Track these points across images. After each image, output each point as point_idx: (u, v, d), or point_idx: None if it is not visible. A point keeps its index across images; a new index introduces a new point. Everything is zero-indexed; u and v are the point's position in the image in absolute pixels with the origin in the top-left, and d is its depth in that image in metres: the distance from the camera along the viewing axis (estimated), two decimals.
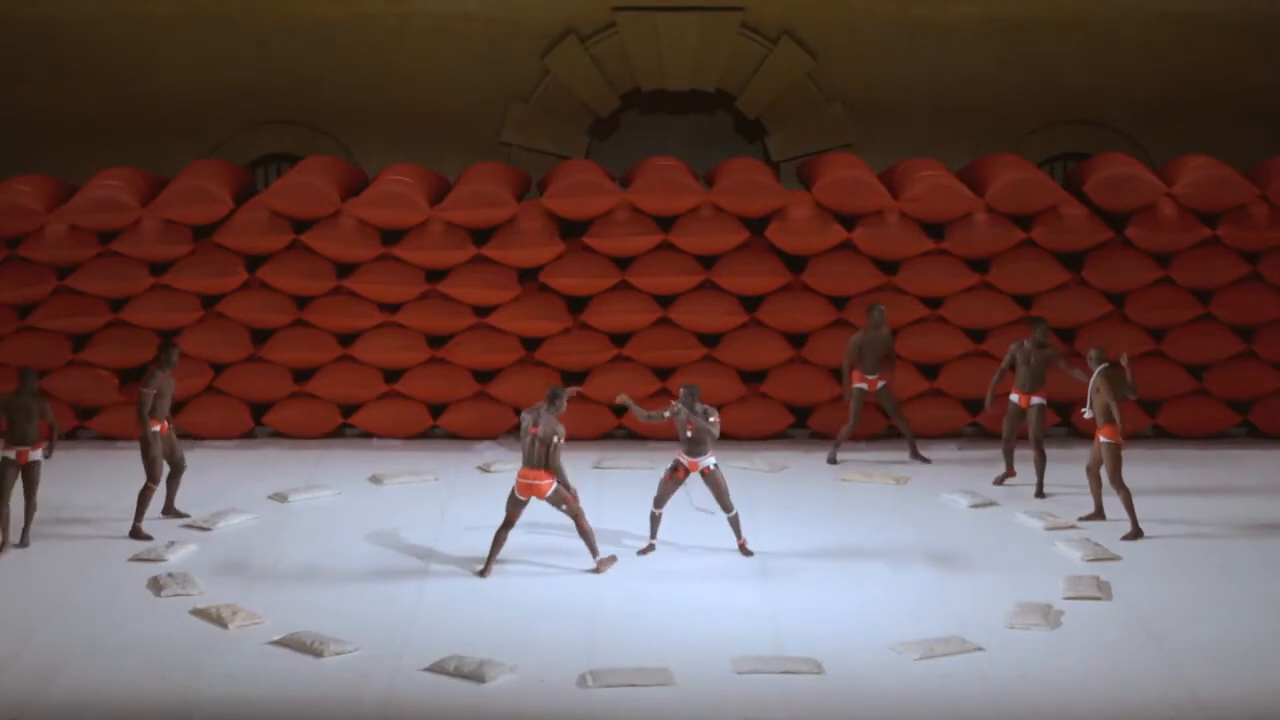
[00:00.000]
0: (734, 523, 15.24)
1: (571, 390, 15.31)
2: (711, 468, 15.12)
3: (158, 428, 15.94)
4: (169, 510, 16.37)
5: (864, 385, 18.19)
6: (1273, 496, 17.06)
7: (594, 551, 14.85)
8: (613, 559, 14.95)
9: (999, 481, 17.43)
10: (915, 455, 18.47)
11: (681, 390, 15.22)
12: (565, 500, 14.78)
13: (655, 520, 15.33)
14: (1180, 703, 12.10)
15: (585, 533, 14.84)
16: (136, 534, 15.73)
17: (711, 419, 15.04)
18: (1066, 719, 11.95)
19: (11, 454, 15.12)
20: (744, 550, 15.20)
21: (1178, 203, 19.63)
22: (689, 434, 15.11)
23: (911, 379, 19.30)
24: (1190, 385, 19.34)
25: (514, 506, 14.82)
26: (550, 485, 14.71)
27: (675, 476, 15.21)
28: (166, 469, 16.13)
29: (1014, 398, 17.35)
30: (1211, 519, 16.21)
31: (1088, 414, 15.78)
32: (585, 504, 15.59)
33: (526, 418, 14.79)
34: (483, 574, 14.73)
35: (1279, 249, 19.56)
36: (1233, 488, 17.39)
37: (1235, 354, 19.46)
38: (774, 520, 16.02)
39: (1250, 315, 19.50)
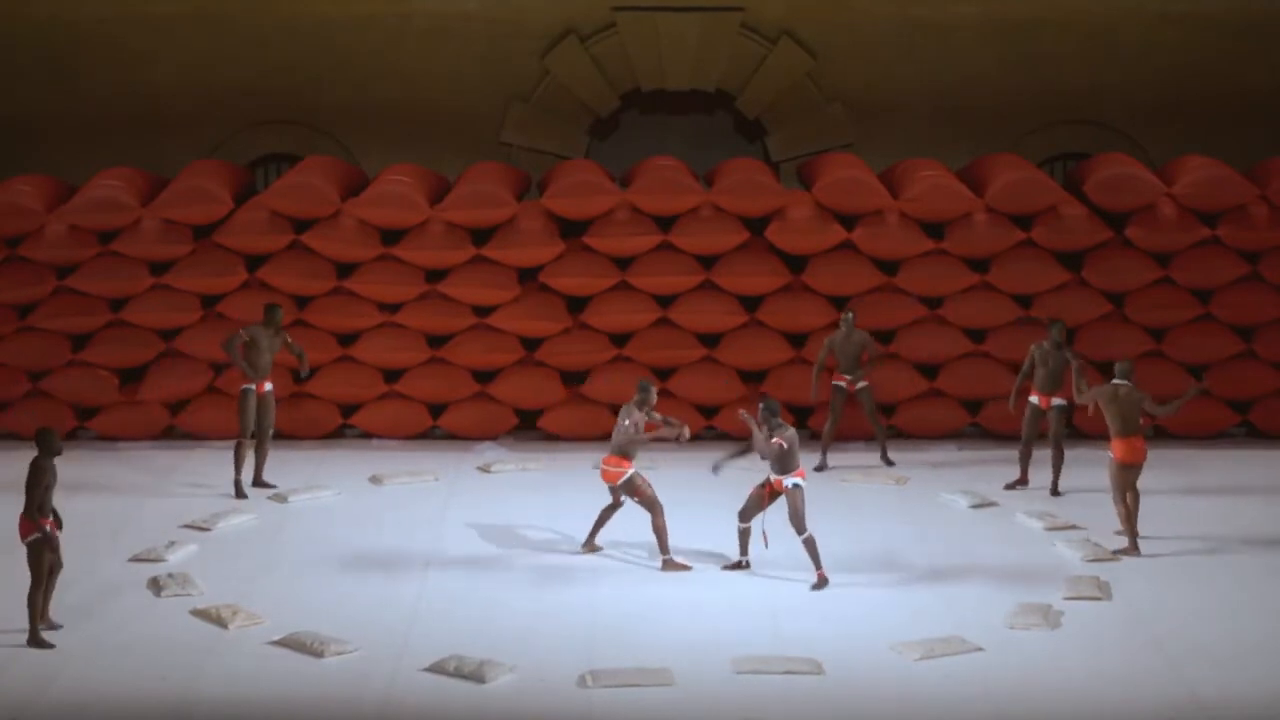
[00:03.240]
0: (808, 545, 14.40)
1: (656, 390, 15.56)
2: (790, 487, 14.38)
3: (252, 385, 16.96)
4: (257, 481, 17.12)
5: (842, 384, 18.19)
6: (1273, 497, 17.06)
7: (664, 549, 14.77)
8: (687, 566, 14.73)
9: (1010, 487, 17.32)
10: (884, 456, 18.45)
11: (760, 405, 14.67)
12: (638, 491, 14.80)
13: (742, 535, 14.76)
14: (1180, 703, 12.09)
15: (657, 529, 14.79)
16: (237, 488, 16.89)
17: (774, 439, 14.29)
18: (1066, 719, 11.95)
19: (48, 528, 13.09)
20: (821, 580, 14.33)
21: (1178, 203, 19.63)
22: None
23: (911, 379, 19.31)
24: (1190, 385, 19.32)
25: (611, 491, 15.00)
26: (620, 473, 14.81)
27: (761, 491, 14.62)
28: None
29: (1034, 399, 17.30)
30: (1211, 519, 16.20)
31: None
32: (586, 504, 15.62)
33: (621, 410, 14.98)
34: (585, 547, 15.12)
35: (1279, 249, 19.57)
36: (1233, 488, 17.39)
37: (1235, 354, 19.46)
38: (774, 521, 15.98)
39: (1250, 315, 19.50)
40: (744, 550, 14.79)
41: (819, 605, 13.96)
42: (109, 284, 19.37)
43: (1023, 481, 17.36)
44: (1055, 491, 17.04)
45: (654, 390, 15.11)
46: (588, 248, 19.57)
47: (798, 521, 14.37)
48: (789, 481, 14.41)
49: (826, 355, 18.17)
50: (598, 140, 23.58)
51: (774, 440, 14.34)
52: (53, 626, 13.21)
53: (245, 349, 17.15)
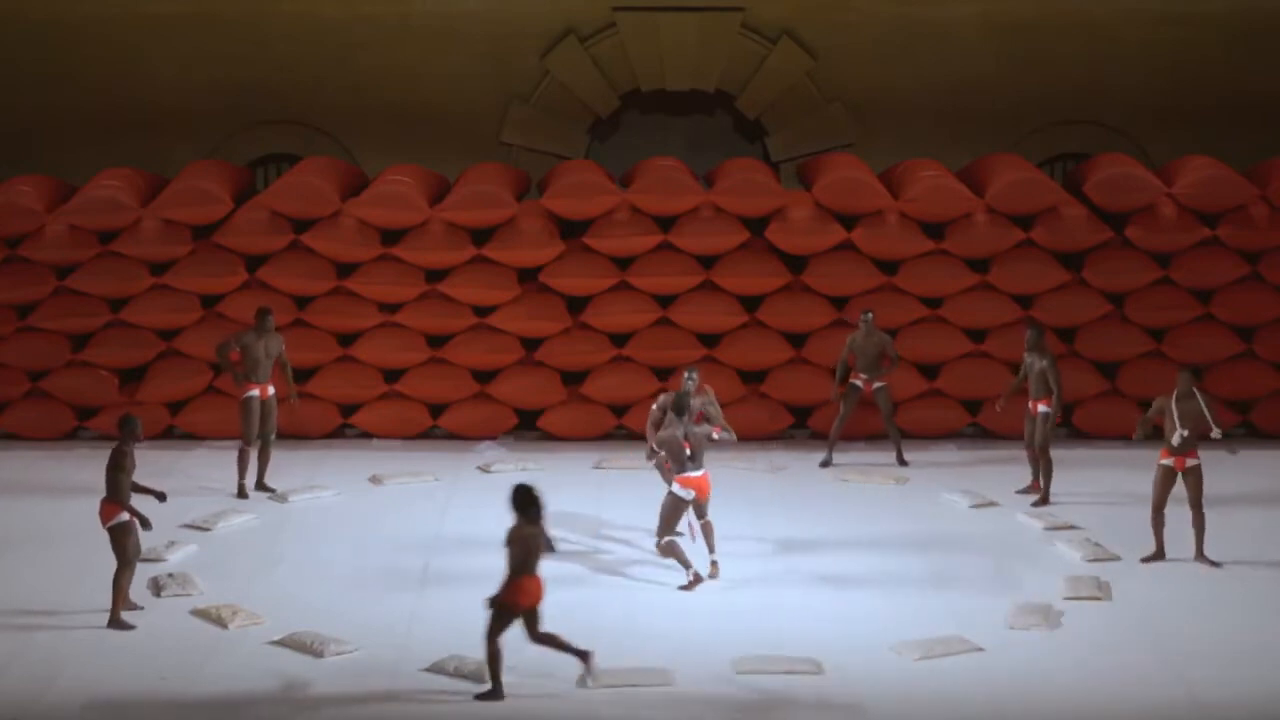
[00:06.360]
0: (663, 551, 14.33)
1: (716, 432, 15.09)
2: (669, 491, 14.45)
3: (255, 391, 16.95)
4: (260, 485, 17.15)
5: (859, 382, 18.18)
6: (1273, 497, 17.07)
7: (711, 548, 14.65)
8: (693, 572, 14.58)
9: (1022, 491, 17.27)
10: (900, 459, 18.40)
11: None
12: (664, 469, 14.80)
13: (670, 548, 14.50)
14: (1180, 703, 12.10)
15: (705, 528, 14.67)
16: (240, 492, 16.90)
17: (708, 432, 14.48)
18: (1066, 719, 11.95)
19: (125, 517, 13.61)
20: (696, 579, 14.20)
21: (1178, 203, 19.64)
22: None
23: (911, 379, 19.31)
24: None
25: (696, 508, 14.76)
26: (707, 484, 14.55)
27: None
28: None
29: (1029, 405, 17.22)
30: (1211, 519, 16.12)
31: (1216, 434, 15.10)
32: (585, 504, 15.61)
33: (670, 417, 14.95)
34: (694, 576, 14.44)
35: (1279, 249, 19.57)
36: (1233, 488, 17.36)
37: (1235, 354, 19.47)
38: (774, 521, 16.02)
39: (1250, 315, 19.51)
40: (684, 563, 14.32)
41: (819, 605, 13.96)
42: (109, 284, 19.37)
43: (1035, 487, 17.24)
44: (1045, 500, 16.84)
45: (694, 377, 15.19)
46: (588, 248, 19.57)
47: (659, 527, 14.19)
48: (673, 485, 14.32)
49: (848, 354, 18.16)
50: (598, 140, 23.58)
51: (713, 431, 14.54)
52: (134, 607, 13.55)
53: (240, 354, 17.14)
